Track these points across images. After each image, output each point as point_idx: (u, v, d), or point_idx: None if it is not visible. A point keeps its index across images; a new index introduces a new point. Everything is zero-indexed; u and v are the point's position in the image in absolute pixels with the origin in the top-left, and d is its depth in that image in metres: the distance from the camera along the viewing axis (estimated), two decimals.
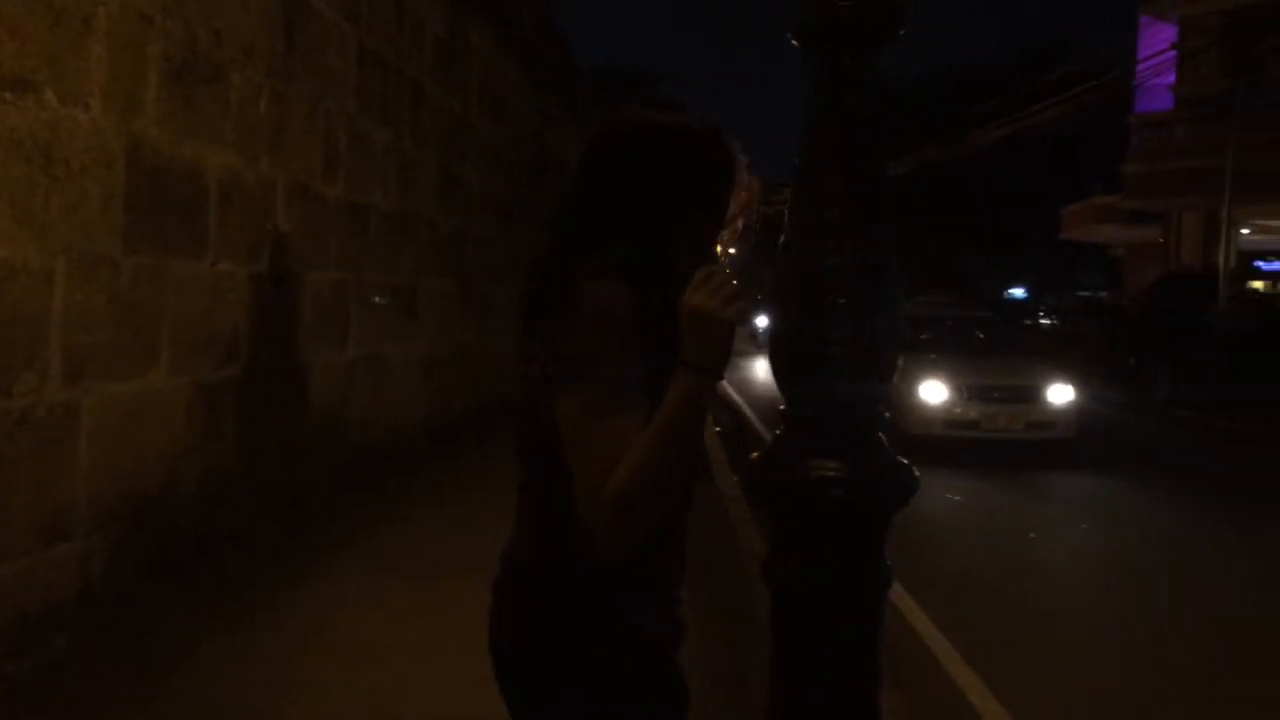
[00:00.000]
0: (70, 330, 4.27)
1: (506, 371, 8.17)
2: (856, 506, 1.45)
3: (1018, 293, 42.65)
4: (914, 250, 37.54)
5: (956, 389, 11.67)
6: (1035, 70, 31.05)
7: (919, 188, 33.20)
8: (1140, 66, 27.16)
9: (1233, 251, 22.05)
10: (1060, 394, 11.84)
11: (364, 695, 4.15)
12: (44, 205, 4.11)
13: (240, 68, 5.69)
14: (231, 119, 5.62)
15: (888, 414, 11.42)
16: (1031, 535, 8.78)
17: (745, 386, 15.90)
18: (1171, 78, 26.94)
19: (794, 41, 1.53)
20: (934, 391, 11.63)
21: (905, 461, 1.56)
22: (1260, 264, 25.16)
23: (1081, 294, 33.17)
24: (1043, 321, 31.12)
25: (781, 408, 1.56)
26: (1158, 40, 26.97)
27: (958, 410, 11.59)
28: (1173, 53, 25.51)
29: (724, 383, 1.54)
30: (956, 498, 9.75)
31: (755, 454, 1.64)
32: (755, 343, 18.30)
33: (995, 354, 13.31)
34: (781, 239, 1.63)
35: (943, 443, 11.33)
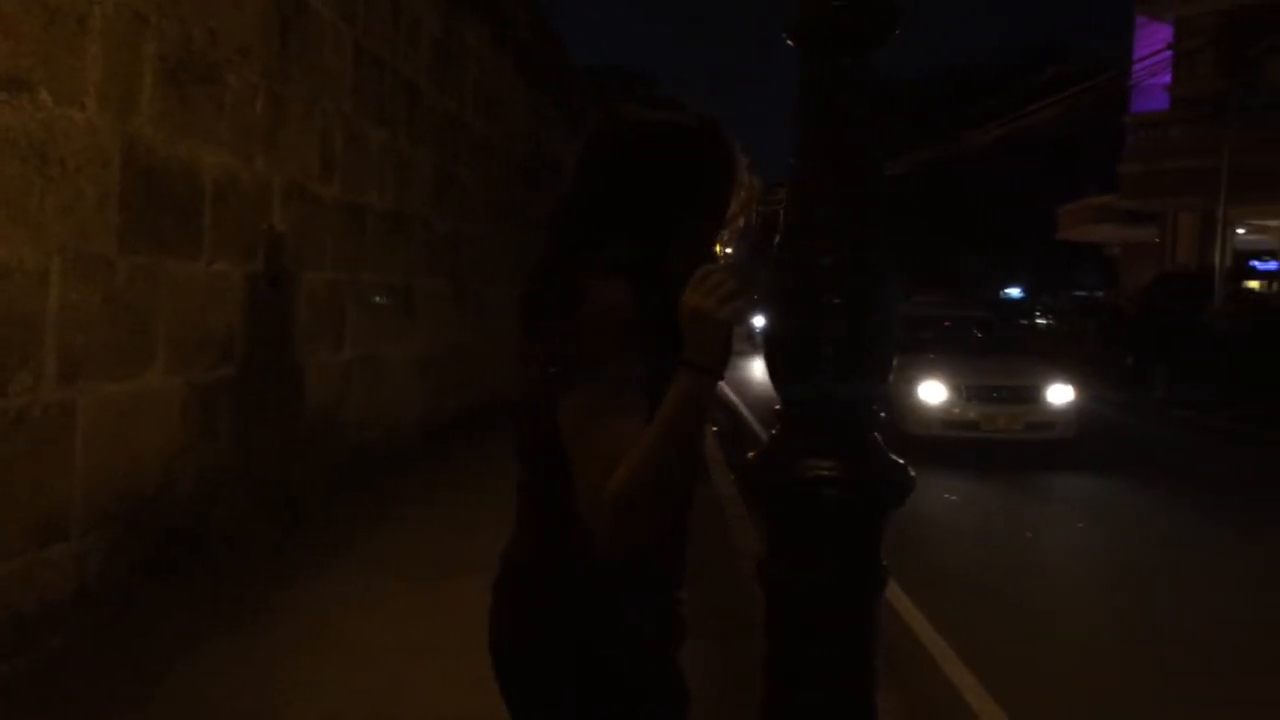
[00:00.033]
0: (65, 330, 4.27)
1: (501, 371, 8.19)
2: (852, 506, 1.45)
3: (1014, 292, 42.68)
4: (910, 250, 37.57)
5: (955, 389, 11.62)
6: (1032, 71, 31.09)
7: (915, 188, 33.22)
8: (1136, 67, 27.19)
9: (1228, 251, 22.07)
10: (1060, 394, 11.80)
11: (362, 695, 4.15)
12: (39, 205, 4.11)
13: (236, 67, 5.68)
14: (227, 119, 5.61)
15: (886, 414, 11.45)
16: (1029, 535, 8.78)
17: (742, 386, 15.94)
18: (1167, 78, 26.97)
19: (789, 41, 1.53)
20: (933, 392, 11.59)
21: (901, 461, 1.56)
22: (1256, 263, 25.19)
23: (1078, 294, 33.19)
24: (1039, 321, 31.15)
25: (777, 407, 1.56)
26: (1153, 40, 27.00)
27: (956, 411, 11.54)
28: (1168, 53, 25.53)
29: (721, 382, 1.54)
30: (953, 497, 9.75)
31: (751, 454, 1.64)
32: (752, 343, 18.33)
33: (994, 354, 13.26)
34: (776, 239, 1.63)
35: (942, 443, 11.31)
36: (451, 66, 10.09)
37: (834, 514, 1.45)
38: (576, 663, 1.68)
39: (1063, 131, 29.07)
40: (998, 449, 11.45)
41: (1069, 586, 7.15)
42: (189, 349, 5.31)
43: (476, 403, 11.05)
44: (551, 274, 1.72)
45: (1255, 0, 22.16)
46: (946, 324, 14.83)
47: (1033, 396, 11.81)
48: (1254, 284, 23.90)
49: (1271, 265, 22.90)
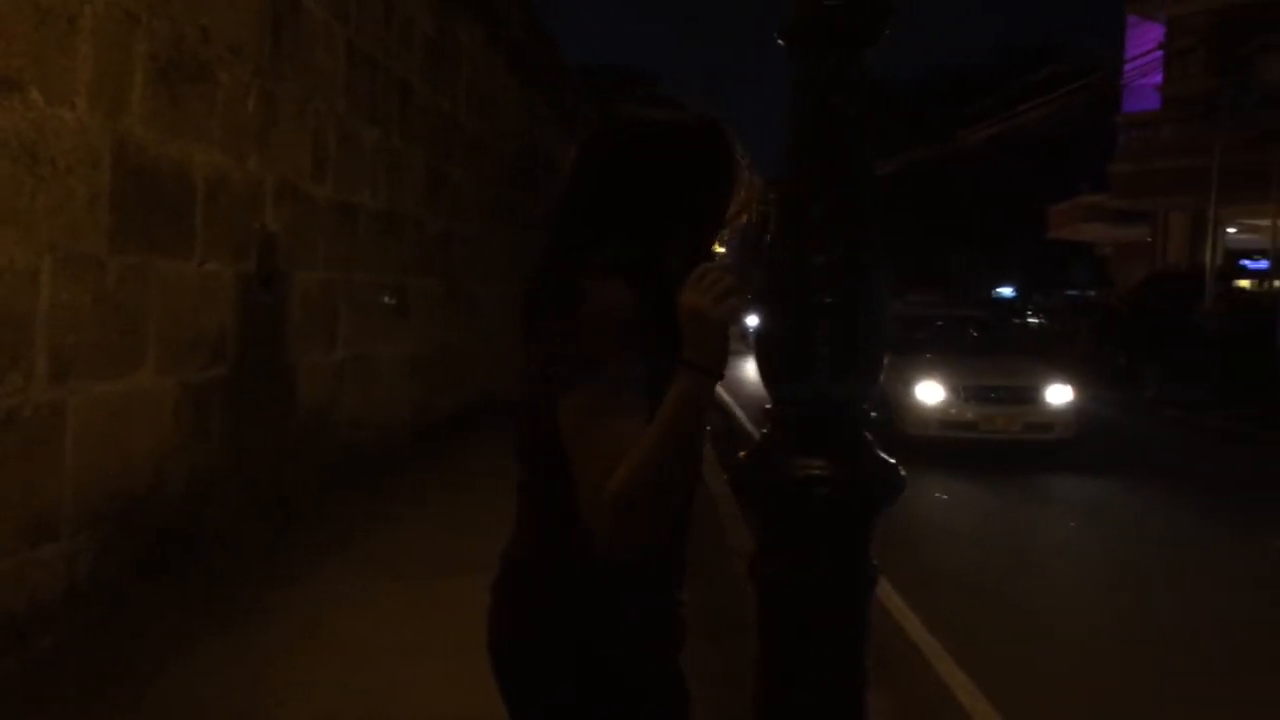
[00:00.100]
0: (56, 330, 4.26)
1: (494, 371, 8.18)
2: (843, 505, 1.45)
3: (1005, 292, 42.77)
4: (903, 249, 37.63)
5: (953, 390, 11.52)
6: (1026, 70, 31.14)
7: (907, 187, 33.27)
8: (1127, 66, 27.24)
9: (1219, 250, 22.13)
10: (1058, 395, 11.70)
11: (356, 695, 4.14)
12: (30, 205, 4.10)
13: (228, 66, 5.67)
14: (219, 118, 5.60)
15: (883, 415, 11.43)
16: (1025, 536, 8.79)
17: (735, 386, 15.91)
18: (1159, 78, 27.03)
19: (781, 41, 1.54)
20: (930, 392, 11.50)
21: (892, 461, 1.56)
22: (1247, 262, 25.24)
23: (1069, 293, 33.27)
24: (1030, 320, 31.21)
25: (769, 406, 1.56)
26: (1145, 40, 27.06)
27: (954, 411, 11.44)
28: (1160, 53, 25.59)
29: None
30: (944, 496, 9.76)
31: (743, 453, 1.64)
32: (746, 342, 18.31)
33: (991, 354, 13.16)
34: (768, 238, 1.63)
35: (940, 444, 11.23)
36: (444, 66, 10.08)
37: (826, 513, 1.45)
38: (576, 663, 1.68)
39: (1054, 131, 29.10)
40: (996, 450, 11.37)
41: (1065, 586, 7.14)
42: (181, 349, 5.30)
43: (469, 402, 11.04)
44: (550, 274, 1.71)
45: (1248, 0, 22.22)
46: (943, 323, 14.76)
47: (1031, 397, 11.72)
48: (1245, 283, 23.95)
49: (1262, 264, 22.94)
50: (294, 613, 5.09)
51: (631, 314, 1.59)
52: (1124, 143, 27.98)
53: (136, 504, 4.91)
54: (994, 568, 7.46)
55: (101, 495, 4.64)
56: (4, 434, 3.99)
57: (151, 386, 5.04)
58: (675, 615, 1.75)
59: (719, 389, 1.56)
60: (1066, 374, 12.49)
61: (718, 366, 1.54)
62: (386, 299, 8.70)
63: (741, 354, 1.58)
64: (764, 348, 1.53)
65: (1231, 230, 25.48)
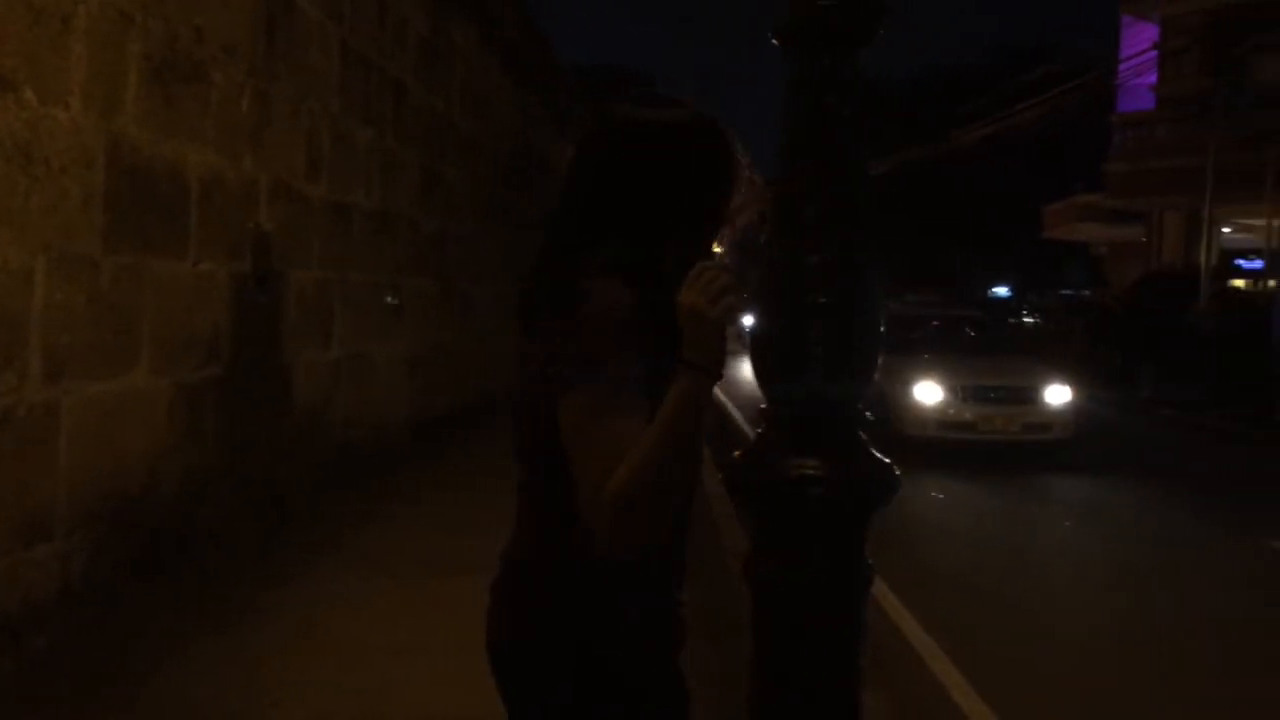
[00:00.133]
0: (50, 330, 4.25)
1: (489, 370, 8.18)
2: (838, 505, 1.45)
3: (1001, 291, 42.81)
4: (899, 249, 37.67)
5: (951, 390, 11.46)
6: (1020, 71, 31.21)
7: (902, 187, 33.30)
8: (1122, 66, 27.28)
9: (1214, 250, 22.16)
10: (1057, 395, 11.65)
11: (351, 695, 4.14)
12: (23, 204, 4.09)
13: (221, 66, 5.66)
14: (213, 118, 5.59)
15: (881, 415, 11.41)
16: (1022, 535, 8.79)
17: (731, 386, 15.92)
18: (1153, 78, 27.07)
19: (775, 41, 1.54)
20: (929, 392, 11.45)
21: (887, 460, 1.56)
22: (1242, 262, 25.28)
23: (1064, 292, 33.30)
24: (1026, 320, 31.24)
25: (763, 406, 1.56)
26: (1139, 40, 27.10)
27: (952, 412, 11.38)
28: (1154, 53, 25.62)
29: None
30: (941, 496, 9.77)
31: (737, 453, 1.64)
32: (742, 342, 18.36)
33: (989, 354, 13.11)
34: (763, 237, 1.63)
35: (938, 444, 11.19)
36: (439, 66, 10.07)
37: (820, 513, 1.45)
38: (576, 663, 1.67)
39: (1049, 131, 29.15)
40: (993, 450, 11.32)
41: (1062, 586, 7.14)
42: (175, 349, 5.29)
43: (464, 402, 11.04)
44: (547, 274, 1.71)
45: None
46: (940, 323, 14.72)
47: (1030, 397, 11.66)
48: (1240, 283, 23.99)
49: (1257, 264, 22.98)
50: (288, 612, 5.08)
51: (630, 314, 1.59)
52: (1119, 142, 28.01)
53: (130, 504, 4.90)
54: (991, 567, 7.47)
55: (95, 495, 4.63)
56: None
57: (146, 386, 5.03)
58: (675, 615, 1.75)
59: (715, 389, 1.56)
60: (1064, 374, 12.45)
61: (716, 366, 1.54)
62: (389, 299, 8.72)
63: (738, 354, 1.58)
64: (758, 347, 1.53)
65: (1226, 230, 25.52)
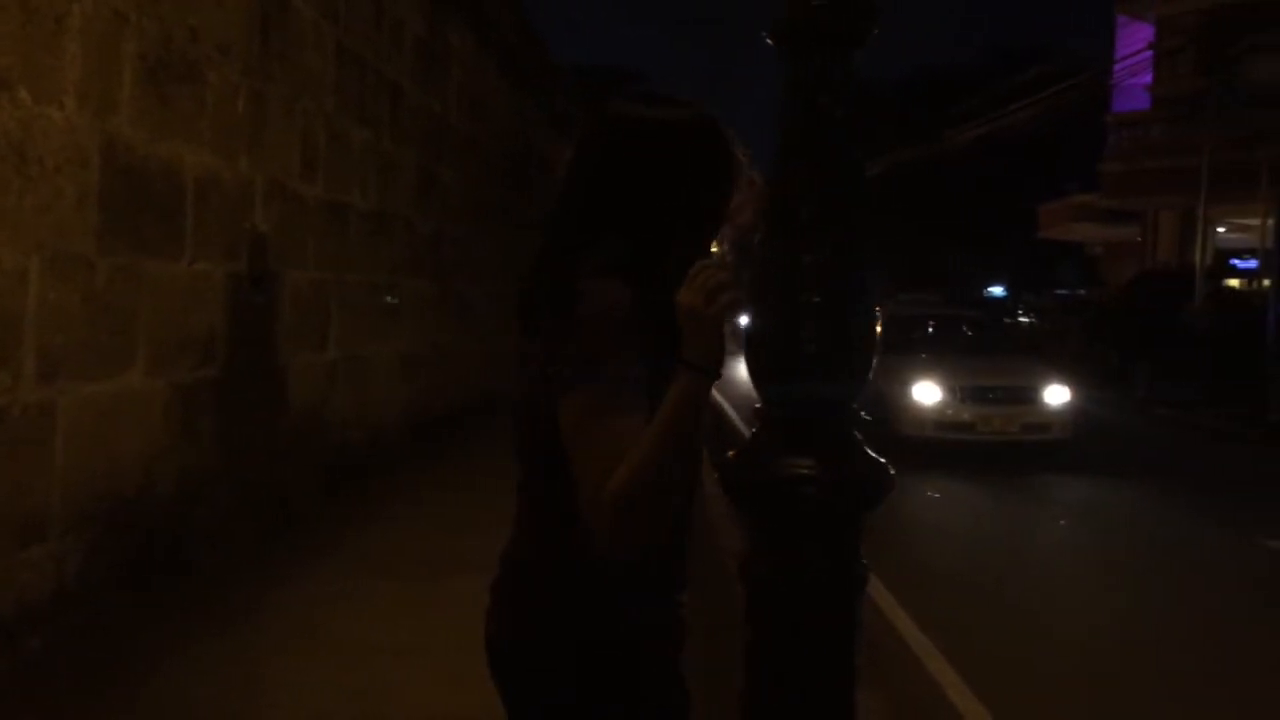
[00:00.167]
0: (44, 330, 4.24)
1: (487, 371, 8.17)
2: (833, 505, 1.46)
3: (996, 291, 42.86)
4: (894, 249, 37.71)
5: (949, 390, 11.40)
6: (1015, 71, 31.26)
7: (896, 187, 33.31)
8: (1117, 66, 27.31)
9: (1209, 250, 22.20)
10: (1056, 395, 11.59)
11: (351, 695, 4.14)
12: (18, 204, 4.08)
13: (217, 66, 5.65)
14: (208, 118, 5.59)
15: (879, 415, 11.38)
16: (1019, 535, 8.79)
17: (728, 385, 15.86)
18: (1148, 78, 27.10)
19: (769, 41, 1.54)
20: (927, 393, 11.39)
21: (882, 460, 1.56)
22: (1236, 261, 25.33)
23: (1060, 292, 33.33)
24: (1021, 320, 31.29)
25: (758, 406, 1.56)
26: (1134, 40, 27.13)
27: (950, 412, 11.33)
28: (1149, 53, 25.65)
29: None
30: (936, 495, 9.78)
31: (731, 452, 1.64)
32: (738, 341, 18.33)
33: (987, 354, 13.05)
34: (756, 237, 1.63)
35: (936, 445, 11.15)
36: (435, 68, 10.07)
37: (815, 512, 1.46)
38: (576, 663, 1.67)
39: (1044, 131, 29.18)
40: (991, 450, 11.27)
41: (1059, 586, 7.12)
42: (170, 349, 5.29)
43: (462, 402, 11.04)
44: (547, 274, 1.71)
45: None
46: (938, 323, 14.67)
47: (1029, 397, 11.60)
48: (1234, 282, 24.03)
49: (1252, 263, 23.02)
50: (288, 613, 5.08)
51: (627, 314, 1.59)
52: (1114, 142, 28.06)
53: (126, 504, 4.90)
54: (987, 567, 7.47)
55: (90, 496, 4.62)
56: None
57: (141, 387, 5.03)
58: (675, 616, 1.75)
59: (712, 388, 1.56)
60: (1062, 374, 12.40)
61: (715, 365, 1.54)
62: (389, 299, 8.72)
63: (735, 353, 1.59)
64: (753, 347, 1.54)
65: (1221, 230, 25.56)
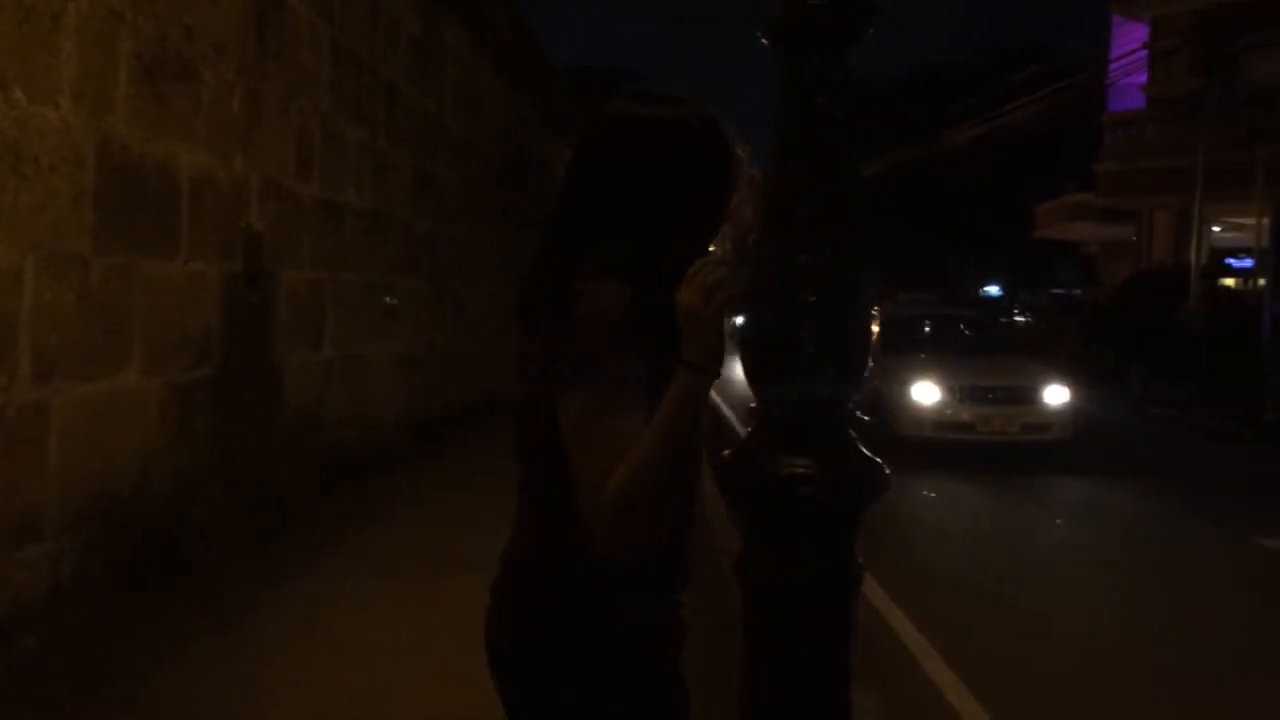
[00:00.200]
0: (40, 330, 4.24)
1: (484, 371, 8.17)
2: (828, 504, 1.45)
3: (993, 290, 42.90)
4: (889, 249, 37.73)
5: (948, 390, 11.33)
6: (1012, 70, 31.30)
7: (894, 187, 33.34)
8: (1112, 66, 27.35)
9: (1205, 249, 22.23)
10: (1056, 395, 11.53)
11: (351, 695, 4.13)
12: (13, 203, 4.07)
13: (212, 65, 5.65)
14: (203, 116, 5.58)
15: (878, 415, 11.37)
16: (1017, 535, 8.79)
17: (724, 384, 15.78)
18: (1143, 77, 27.14)
19: (765, 40, 1.53)
20: (926, 393, 11.32)
21: (878, 459, 1.56)
22: (1232, 261, 25.36)
23: (1056, 291, 33.38)
24: (1018, 319, 31.34)
25: (753, 405, 1.56)
26: (1129, 40, 27.17)
27: (949, 412, 11.26)
28: (1144, 53, 25.68)
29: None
30: (933, 494, 9.78)
31: (727, 451, 1.64)
32: (734, 340, 18.33)
33: (985, 353, 12.99)
34: (751, 237, 1.63)
35: (935, 445, 11.11)
36: (431, 67, 10.06)
37: (811, 511, 1.45)
38: (576, 663, 1.67)
39: (1040, 130, 29.23)
40: (991, 451, 11.21)
41: (1055, 586, 7.11)
42: (166, 349, 5.28)
43: (459, 402, 11.03)
44: (546, 274, 1.70)
45: None
46: (936, 323, 14.62)
47: (1029, 398, 11.54)
48: (1230, 281, 24.07)
49: (1247, 263, 23.05)
50: (287, 612, 5.07)
51: (625, 314, 1.59)
52: (1109, 142, 28.10)
53: (121, 504, 4.89)
54: (985, 566, 7.47)
55: (86, 495, 4.62)
56: None
57: (136, 386, 5.02)
58: (675, 616, 1.75)
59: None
60: (1061, 374, 12.35)
61: (715, 364, 1.54)
62: (389, 300, 8.72)
63: (732, 353, 1.58)
64: (749, 347, 1.54)
65: (1216, 229, 25.61)
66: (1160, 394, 17.69)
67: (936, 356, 12.25)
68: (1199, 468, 12.54)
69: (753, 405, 1.58)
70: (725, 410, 13.63)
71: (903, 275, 35.05)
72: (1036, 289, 36.35)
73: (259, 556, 5.88)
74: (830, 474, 1.43)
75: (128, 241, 4.89)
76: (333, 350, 7.63)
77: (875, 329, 13.57)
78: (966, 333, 14.33)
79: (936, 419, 11.29)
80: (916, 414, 11.31)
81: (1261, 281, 18.42)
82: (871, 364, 12.82)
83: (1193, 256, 21.03)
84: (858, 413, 1.59)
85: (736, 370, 1.73)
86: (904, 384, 11.43)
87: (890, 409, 11.37)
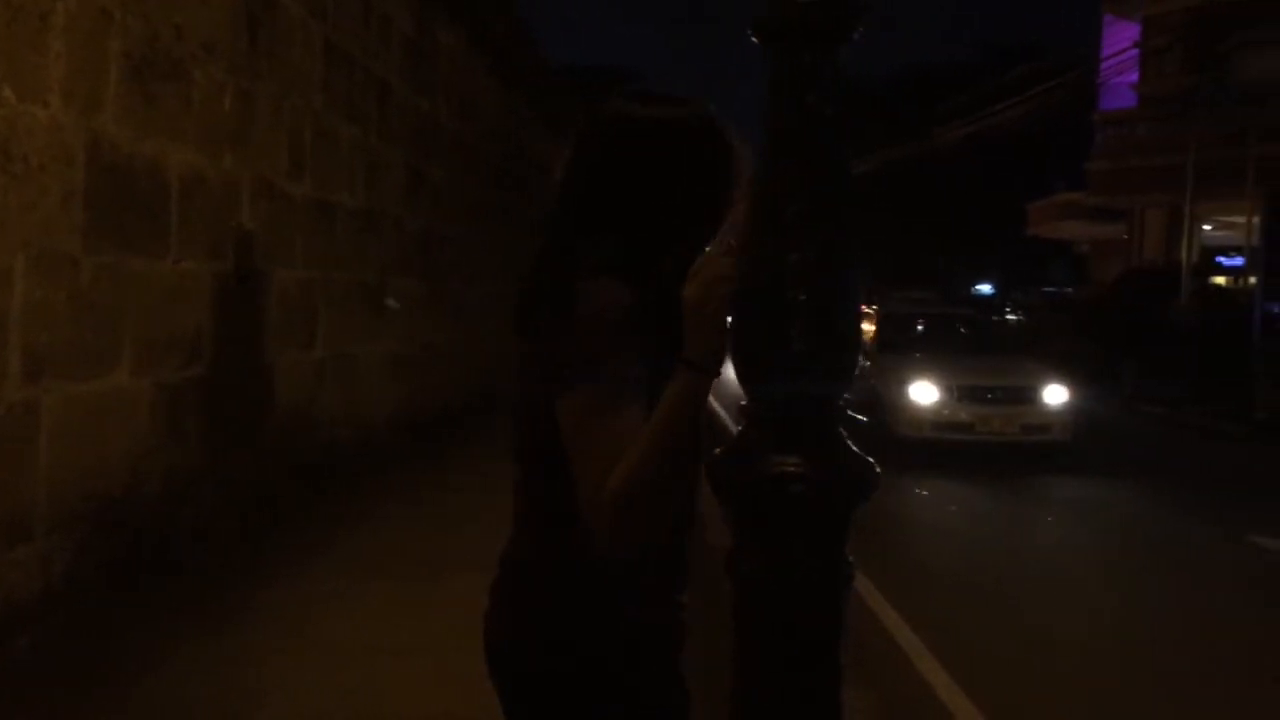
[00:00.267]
0: (30, 329, 4.23)
1: (480, 371, 8.16)
2: (819, 502, 1.45)
3: (984, 289, 42.99)
4: (881, 247, 37.80)
5: (947, 390, 11.22)
6: (1003, 69, 31.36)
7: (885, 185, 33.40)
8: (1104, 65, 27.42)
9: (1195, 247, 22.30)
10: (1055, 395, 11.45)
11: (345, 695, 4.13)
12: (2, 202, 4.06)
13: (202, 64, 5.64)
14: (194, 116, 5.57)
15: (878, 416, 11.33)
16: (1013, 535, 8.80)
17: (716, 383, 15.74)
18: (1134, 76, 27.21)
19: (754, 38, 1.53)
20: (924, 392, 11.23)
21: (869, 458, 1.56)
22: (1222, 259, 25.45)
23: (1047, 290, 33.47)
24: (1009, 317, 31.41)
25: (743, 403, 1.56)
26: (1120, 39, 27.24)
27: (947, 412, 11.16)
28: (1135, 51, 25.75)
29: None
30: (926, 493, 9.80)
31: (718, 450, 1.64)
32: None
33: (983, 353, 12.90)
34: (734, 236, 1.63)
35: (934, 446, 11.06)
36: (424, 66, 10.05)
37: (801, 510, 1.45)
38: (576, 663, 1.67)
39: (1031, 129, 29.29)
40: (991, 451, 11.13)
41: (1053, 585, 7.11)
42: (157, 348, 5.27)
43: (454, 402, 11.03)
44: (545, 274, 1.70)
45: None
46: (934, 322, 14.51)
47: (1028, 397, 11.44)
48: (1220, 279, 24.15)
49: (1238, 261, 23.13)
50: (280, 612, 5.07)
51: (624, 314, 1.58)
52: (1101, 141, 28.20)
53: (113, 504, 4.88)
54: (982, 566, 7.48)
55: (77, 495, 4.60)
56: None
57: (127, 386, 5.01)
58: (675, 616, 1.75)
59: None
60: (1060, 373, 12.27)
61: (715, 362, 1.53)
62: (390, 301, 8.71)
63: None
64: (739, 345, 1.54)
65: (1207, 227, 25.69)
66: (1151, 392, 17.74)
67: (934, 356, 12.16)
68: (1192, 466, 12.57)
69: (743, 403, 1.58)
70: (718, 409, 13.64)
71: (894, 273, 35.13)
72: (1028, 287, 36.44)
73: (251, 556, 5.87)
74: (821, 472, 1.43)
75: (118, 241, 4.88)
76: (325, 350, 7.62)
77: (872, 328, 13.54)
78: (964, 332, 14.24)
79: (935, 419, 11.18)
80: (915, 414, 11.20)
81: (1252, 280, 18.50)
82: (868, 364, 12.71)
83: (1184, 255, 21.11)
84: (856, 413, 1.59)
85: (728, 369, 1.73)
86: (902, 384, 11.34)
87: (888, 409, 11.30)
